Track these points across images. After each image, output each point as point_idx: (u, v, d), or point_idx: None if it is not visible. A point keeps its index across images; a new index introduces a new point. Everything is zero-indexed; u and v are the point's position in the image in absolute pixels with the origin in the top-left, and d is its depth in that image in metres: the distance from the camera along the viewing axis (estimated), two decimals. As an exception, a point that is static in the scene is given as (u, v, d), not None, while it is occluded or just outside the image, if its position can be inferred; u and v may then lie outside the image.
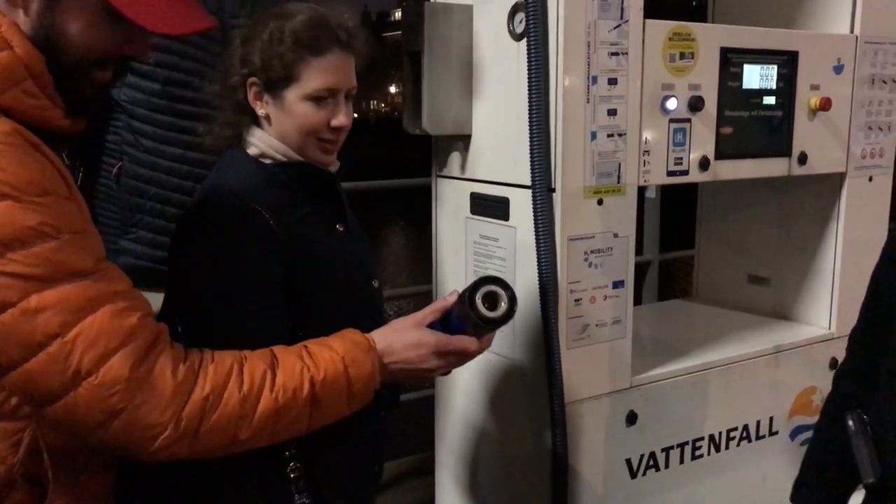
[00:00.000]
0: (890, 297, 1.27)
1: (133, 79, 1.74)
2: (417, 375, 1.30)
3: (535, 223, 1.69)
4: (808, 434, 1.79)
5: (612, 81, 1.72)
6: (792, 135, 2.05)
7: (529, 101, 1.65)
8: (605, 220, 1.77)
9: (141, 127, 1.77)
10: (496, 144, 1.87)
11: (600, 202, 1.76)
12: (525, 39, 1.65)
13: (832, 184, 2.21)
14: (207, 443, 1.06)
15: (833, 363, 2.19)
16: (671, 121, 1.83)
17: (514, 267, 1.83)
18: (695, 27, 1.84)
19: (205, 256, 1.30)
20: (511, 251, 1.84)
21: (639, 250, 3.05)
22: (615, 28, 1.70)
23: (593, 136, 1.72)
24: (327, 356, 1.18)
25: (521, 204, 1.77)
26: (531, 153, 1.67)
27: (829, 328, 2.27)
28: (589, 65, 1.68)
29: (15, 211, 0.93)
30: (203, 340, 1.31)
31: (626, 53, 1.73)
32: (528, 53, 1.64)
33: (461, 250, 2.02)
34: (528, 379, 1.85)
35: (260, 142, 1.39)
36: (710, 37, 1.87)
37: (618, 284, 1.82)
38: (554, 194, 1.71)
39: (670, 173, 1.86)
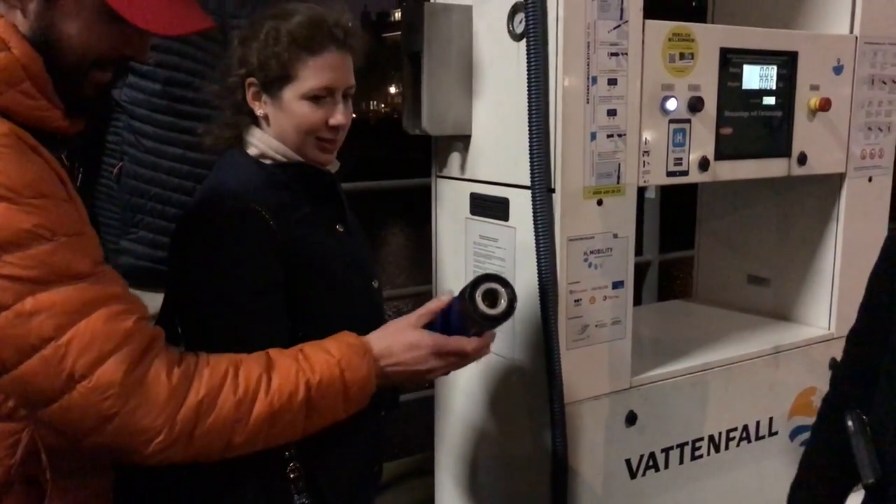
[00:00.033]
0: (889, 297, 1.27)
1: (133, 79, 1.74)
2: (414, 378, 1.29)
3: (535, 224, 1.69)
4: (808, 434, 1.79)
5: (612, 82, 1.72)
6: (791, 135, 2.05)
7: (529, 102, 1.65)
8: (605, 220, 1.77)
9: (141, 127, 1.77)
10: (496, 145, 1.87)
11: (600, 203, 1.76)
12: (525, 40, 1.65)
13: (832, 184, 2.22)
14: (202, 447, 1.06)
15: (833, 364, 2.19)
16: (671, 121, 1.83)
17: (513, 267, 1.83)
18: (694, 27, 1.84)
19: (205, 257, 1.30)
20: (511, 251, 1.84)
21: (638, 251, 3.05)
22: (615, 28, 1.70)
23: (593, 136, 1.72)
24: (323, 360, 1.17)
25: (521, 204, 1.77)
26: (531, 153, 1.67)
27: (829, 328, 2.27)
28: (589, 65, 1.68)
29: (11, 213, 0.93)
30: (203, 341, 1.31)
31: (626, 54, 1.73)
32: (528, 54, 1.64)
33: (461, 251, 2.02)
34: (527, 379, 1.85)
35: (259, 142, 1.39)
36: (710, 37, 1.87)
37: (617, 285, 1.82)
38: (554, 195, 1.71)
39: (670, 174, 1.86)
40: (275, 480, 1.27)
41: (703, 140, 1.89)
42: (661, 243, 3.58)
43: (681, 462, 2.01)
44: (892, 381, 1.22)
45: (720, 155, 1.93)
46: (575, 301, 1.76)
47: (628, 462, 1.92)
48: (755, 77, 1.97)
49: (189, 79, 1.76)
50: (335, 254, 1.40)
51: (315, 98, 1.35)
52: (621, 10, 1.70)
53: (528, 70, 1.65)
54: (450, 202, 2.05)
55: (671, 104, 1.81)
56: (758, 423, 2.15)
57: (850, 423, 1.25)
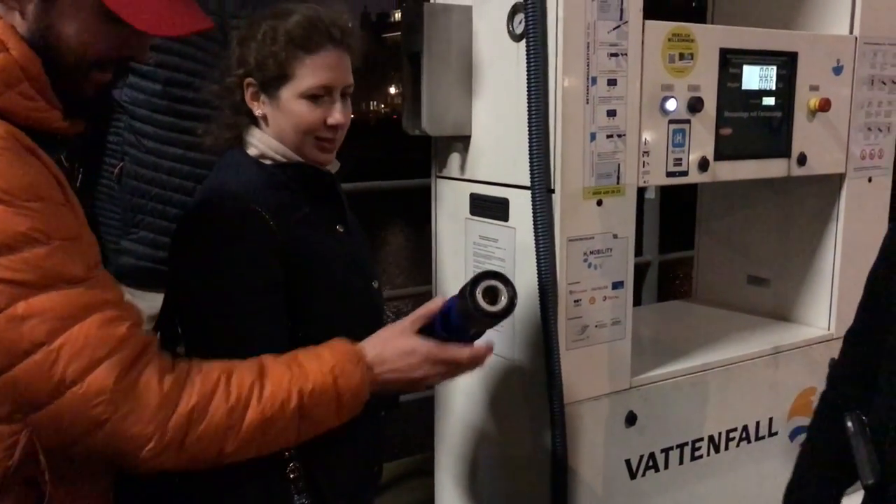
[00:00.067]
0: (887, 297, 1.27)
1: (134, 79, 1.74)
2: (408, 385, 1.28)
3: (535, 224, 1.69)
4: (807, 435, 1.79)
5: (612, 82, 1.72)
6: (791, 136, 2.05)
7: (529, 102, 1.66)
8: (605, 220, 1.77)
9: (142, 127, 1.78)
10: (495, 145, 1.87)
11: (600, 203, 1.76)
12: (524, 40, 1.65)
13: (831, 185, 2.22)
14: (194, 454, 1.05)
15: (832, 363, 2.19)
16: (670, 121, 1.83)
17: (513, 268, 1.83)
18: (694, 28, 1.84)
19: (205, 257, 1.30)
20: (510, 252, 1.84)
21: (638, 251, 3.05)
22: (614, 29, 1.70)
23: (593, 136, 1.72)
24: (316, 367, 1.16)
25: (521, 205, 1.77)
26: (530, 154, 1.67)
27: (829, 329, 2.27)
28: (588, 65, 1.68)
29: (6, 216, 0.92)
30: (203, 341, 1.31)
31: (626, 54, 1.73)
32: (528, 54, 1.64)
33: (461, 251, 2.02)
34: (527, 380, 1.85)
35: (259, 142, 1.39)
36: (710, 38, 1.87)
37: (617, 285, 1.82)
38: (553, 195, 1.71)
39: (670, 174, 1.86)
40: (275, 480, 1.27)
41: (702, 140, 1.89)
42: (661, 244, 3.58)
43: (681, 462, 2.01)
44: (891, 383, 1.22)
45: (720, 155, 1.93)
46: (575, 301, 1.76)
47: (628, 462, 1.92)
48: (755, 77, 1.97)
49: (189, 79, 1.76)
50: (335, 254, 1.41)
51: (313, 97, 1.35)
52: (621, 10, 1.70)
53: (528, 70, 1.65)
54: (449, 202, 2.05)
55: (671, 104, 1.81)
56: (757, 423, 2.15)
57: (849, 424, 1.25)
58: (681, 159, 1.87)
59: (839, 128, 2.14)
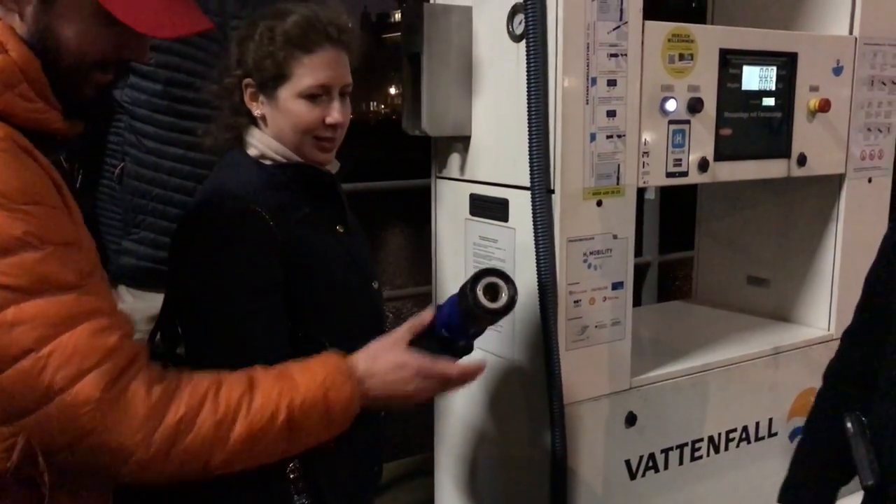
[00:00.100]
0: (887, 297, 1.27)
1: (135, 79, 1.74)
2: (399, 399, 1.26)
3: (535, 224, 1.69)
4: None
5: (612, 83, 1.72)
6: (791, 136, 2.05)
7: (529, 103, 1.66)
8: (605, 221, 1.77)
9: (143, 128, 1.78)
10: (495, 146, 1.87)
11: (599, 203, 1.76)
12: (524, 41, 1.65)
13: (831, 185, 2.22)
14: (180, 466, 1.04)
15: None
16: (670, 122, 1.83)
17: (513, 268, 1.83)
18: (694, 28, 1.84)
19: (205, 257, 1.30)
20: (510, 252, 1.84)
21: (638, 251, 3.05)
22: (614, 29, 1.70)
23: (592, 137, 1.72)
24: (306, 381, 1.15)
25: (521, 205, 1.77)
26: (530, 154, 1.67)
27: (829, 329, 2.27)
28: (588, 66, 1.68)
29: (0, 219, 0.91)
30: (203, 341, 1.31)
31: (626, 55, 1.73)
32: (528, 55, 1.64)
33: (460, 251, 2.02)
34: (527, 380, 1.85)
35: (259, 143, 1.39)
36: (710, 38, 1.87)
37: (617, 286, 1.82)
38: (553, 195, 1.71)
39: (669, 174, 1.86)
40: (274, 480, 1.27)
41: (702, 141, 1.89)
42: (661, 244, 3.58)
43: (680, 463, 2.01)
44: (891, 384, 1.22)
45: (720, 156, 1.93)
46: (574, 302, 1.76)
47: (628, 463, 1.92)
48: (755, 78, 1.97)
49: (190, 79, 1.76)
50: (335, 254, 1.41)
51: (311, 96, 1.35)
52: (621, 10, 1.70)
53: (528, 71, 1.65)
54: (449, 203, 2.05)
55: (671, 105, 1.81)
56: (757, 423, 2.15)
57: (849, 424, 1.25)
58: (681, 160, 1.87)
59: (839, 128, 2.14)
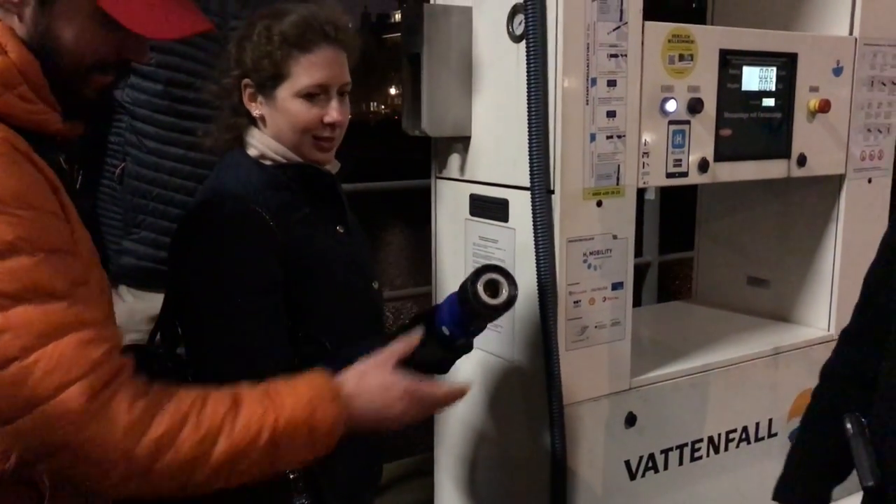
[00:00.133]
0: (887, 296, 1.27)
1: (135, 79, 1.75)
2: (384, 422, 1.23)
3: (534, 225, 1.70)
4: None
5: (612, 83, 1.72)
6: (791, 137, 2.05)
7: (529, 103, 1.66)
8: (605, 221, 1.77)
9: (143, 128, 1.78)
10: (495, 146, 1.88)
11: (599, 204, 1.76)
12: (524, 41, 1.65)
13: (831, 186, 2.22)
14: (160, 482, 1.02)
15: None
16: (670, 122, 1.83)
17: (513, 268, 1.82)
18: (694, 29, 1.84)
19: (205, 258, 1.30)
20: (510, 253, 1.84)
21: (638, 252, 3.05)
22: (614, 30, 1.70)
23: (592, 137, 1.72)
24: (291, 401, 1.12)
25: (521, 205, 1.77)
26: (530, 155, 1.67)
27: (829, 330, 2.27)
28: (588, 66, 1.68)
29: None
30: (203, 341, 1.32)
31: (626, 55, 1.73)
32: (528, 55, 1.64)
33: (460, 252, 2.02)
34: (526, 380, 1.85)
35: (258, 143, 1.39)
36: (710, 39, 1.87)
37: (617, 286, 1.82)
38: (553, 196, 1.71)
39: (669, 175, 1.86)
40: (274, 481, 1.27)
41: (702, 141, 1.89)
42: (661, 244, 3.58)
43: (680, 463, 2.01)
44: (891, 385, 1.22)
45: (720, 156, 1.93)
46: (574, 302, 1.76)
47: (627, 463, 1.92)
48: (755, 78, 1.97)
49: (190, 79, 1.76)
50: (335, 255, 1.41)
51: (309, 96, 1.35)
52: (621, 11, 1.70)
53: (528, 71, 1.65)
54: (449, 203, 2.06)
55: (671, 105, 1.81)
56: (757, 424, 2.15)
57: (848, 425, 1.25)
58: (681, 160, 1.87)
59: (839, 129, 2.14)
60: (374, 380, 1.21)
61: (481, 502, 2.09)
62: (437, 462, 2.24)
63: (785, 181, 2.14)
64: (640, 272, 3.41)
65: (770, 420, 2.17)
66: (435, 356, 1.37)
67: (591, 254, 1.76)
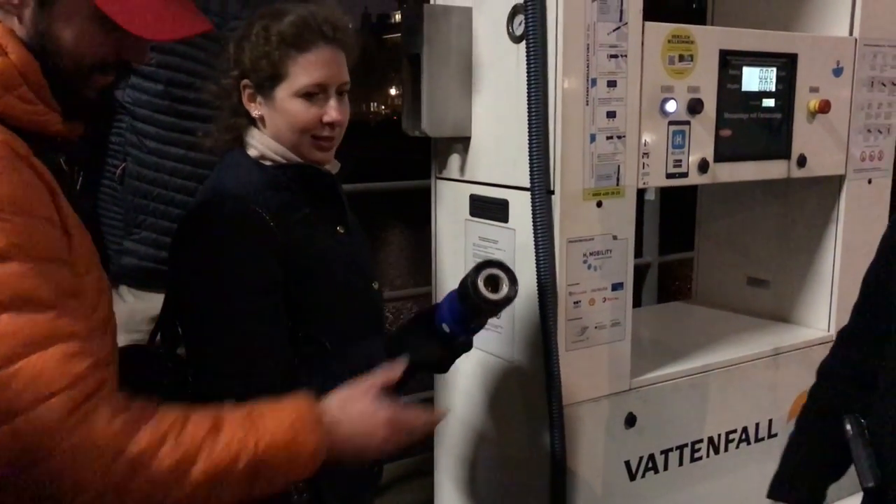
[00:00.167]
0: (887, 297, 1.27)
1: (136, 80, 1.75)
2: (364, 450, 1.20)
3: (534, 225, 1.70)
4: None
5: (612, 84, 1.72)
6: (791, 137, 2.05)
7: (529, 104, 1.66)
8: (605, 222, 1.77)
9: (144, 128, 1.78)
10: (495, 146, 1.88)
11: (599, 204, 1.76)
12: (524, 41, 1.65)
13: (831, 186, 2.22)
14: (134, 501, 0.99)
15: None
16: (670, 123, 1.83)
17: (513, 269, 1.83)
18: (694, 29, 1.84)
19: (205, 258, 1.30)
20: (510, 253, 1.84)
21: (638, 252, 3.05)
22: (614, 30, 1.70)
23: (592, 138, 1.72)
24: (273, 426, 1.10)
25: (521, 206, 1.77)
26: (530, 155, 1.67)
27: (829, 331, 2.27)
28: (588, 67, 1.68)
29: None
30: (203, 341, 1.31)
31: (626, 56, 1.73)
32: (528, 55, 1.64)
33: (460, 252, 2.02)
34: (526, 381, 1.85)
35: (258, 143, 1.39)
36: (710, 39, 1.87)
37: (617, 286, 1.82)
38: (553, 196, 1.71)
39: (669, 175, 1.86)
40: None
41: (702, 142, 1.89)
42: (661, 245, 3.58)
43: (680, 464, 2.01)
44: (890, 385, 1.22)
45: (720, 157, 1.93)
46: (574, 303, 1.76)
47: (627, 464, 1.92)
48: (755, 79, 1.97)
49: (191, 79, 1.76)
50: (335, 255, 1.41)
51: (308, 95, 1.35)
52: (621, 11, 1.70)
53: (528, 72, 1.65)
54: (449, 204, 2.06)
55: (671, 106, 1.81)
56: (757, 424, 2.15)
57: (848, 426, 1.25)
58: (680, 161, 1.87)
59: (839, 129, 2.14)
60: (357, 407, 1.19)
61: (481, 502, 2.09)
62: (436, 462, 2.24)
63: (785, 182, 2.14)
64: (640, 273, 3.41)
65: (770, 421, 2.17)
66: (435, 355, 1.37)
67: (591, 254, 1.76)
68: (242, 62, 1.36)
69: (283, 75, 1.34)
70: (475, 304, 1.28)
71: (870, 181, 2.23)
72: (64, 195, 1.02)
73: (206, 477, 1.02)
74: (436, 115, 1.88)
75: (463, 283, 1.30)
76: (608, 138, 1.74)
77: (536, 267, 1.70)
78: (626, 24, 1.71)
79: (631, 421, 1.89)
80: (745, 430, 2.13)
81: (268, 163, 1.39)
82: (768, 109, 2.01)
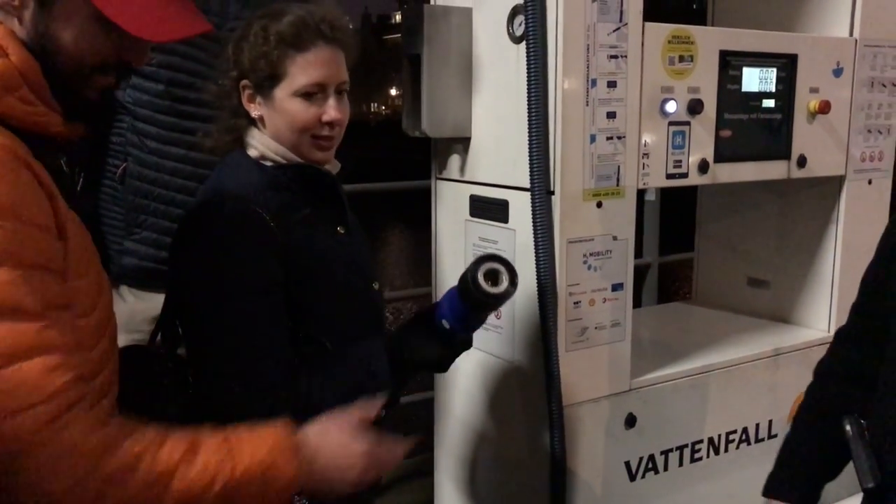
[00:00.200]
0: (885, 297, 1.27)
1: (137, 80, 1.75)
2: (339, 482, 1.18)
3: (534, 226, 1.70)
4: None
5: (612, 84, 1.72)
6: (791, 138, 2.05)
7: (529, 104, 1.66)
8: (605, 222, 1.77)
9: (144, 128, 1.78)
10: (495, 147, 1.88)
11: (599, 205, 1.76)
12: (524, 42, 1.65)
13: (831, 187, 2.22)
14: None
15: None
16: (670, 123, 1.83)
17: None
18: (694, 30, 1.84)
19: (205, 258, 1.30)
20: (510, 254, 1.84)
21: (638, 253, 3.05)
22: (614, 31, 1.70)
23: (592, 138, 1.72)
24: (249, 453, 1.08)
25: (521, 206, 1.77)
26: (530, 156, 1.68)
27: (829, 331, 2.27)
28: (588, 67, 1.68)
29: None
30: (203, 342, 1.32)
31: (626, 56, 1.73)
32: (528, 56, 1.65)
33: (461, 252, 2.02)
34: (526, 381, 1.85)
35: (259, 144, 1.39)
36: (710, 40, 1.87)
37: (617, 287, 1.82)
38: (553, 197, 1.71)
39: (669, 176, 1.86)
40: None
41: (702, 142, 1.89)
42: (661, 245, 3.58)
43: (680, 464, 2.01)
44: (891, 386, 1.22)
45: (720, 157, 1.93)
46: (574, 303, 1.76)
47: (627, 464, 1.92)
48: (755, 79, 1.97)
49: (191, 79, 1.76)
50: (336, 255, 1.41)
51: (307, 95, 1.35)
52: (621, 12, 1.70)
53: (528, 72, 1.65)
54: (450, 204, 2.06)
55: (671, 106, 1.81)
56: (757, 425, 2.15)
57: (848, 427, 1.24)
58: (681, 161, 1.87)
59: (839, 130, 2.14)
60: (335, 438, 1.18)
61: (481, 503, 2.09)
62: (437, 463, 2.24)
63: (785, 182, 2.14)
64: (640, 273, 3.41)
65: (770, 421, 2.17)
66: (435, 354, 1.38)
67: (591, 255, 1.77)
68: (241, 63, 1.36)
69: (282, 75, 1.34)
70: (476, 299, 1.29)
71: (870, 182, 2.23)
72: (64, 196, 1.02)
73: (180, 499, 1.00)
74: (436, 115, 1.88)
75: (463, 278, 1.31)
76: (608, 139, 1.74)
77: (536, 267, 1.70)
78: (626, 24, 1.72)
79: (631, 421, 1.89)
80: (745, 430, 2.13)
81: (268, 163, 1.39)
82: (768, 110, 2.01)
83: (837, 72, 2.10)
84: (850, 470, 1.27)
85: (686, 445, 2.02)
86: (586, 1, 1.65)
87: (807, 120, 2.07)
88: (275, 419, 1.22)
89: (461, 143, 1.96)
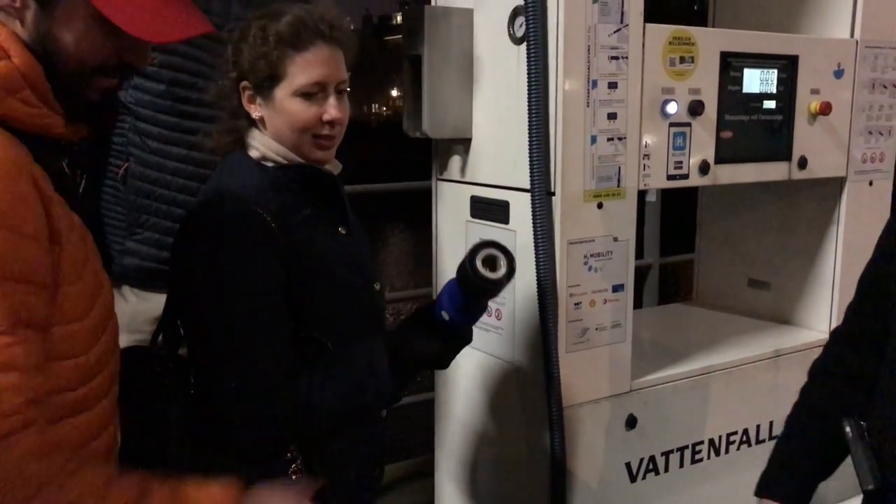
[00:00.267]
0: (884, 297, 1.27)
1: (138, 80, 1.75)
2: None
3: (535, 227, 1.70)
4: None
5: (613, 85, 1.72)
6: (792, 139, 2.05)
7: (529, 105, 1.66)
8: (605, 223, 1.77)
9: (146, 128, 1.78)
10: (496, 148, 1.88)
11: (600, 206, 1.76)
12: (525, 43, 1.66)
13: (832, 188, 2.22)
14: None
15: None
16: (671, 125, 1.83)
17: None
18: (695, 31, 1.85)
19: (206, 259, 1.30)
20: (511, 254, 1.84)
21: (639, 254, 3.05)
22: (615, 32, 1.70)
23: (593, 139, 1.72)
24: None
25: (521, 207, 1.77)
26: (531, 157, 1.68)
27: (829, 332, 2.27)
28: (589, 68, 1.69)
29: None
30: (204, 342, 1.32)
31: (626, 57, 1.73)
32: (528, 57, 1.65)
33: (461, 253, 2.01)
34: (527, 382, 1.85)
35: (259, 144, 1.39)
36: (711, 41, 1.87)
37: (617, 288, 1.82)
38: (553, 198, 1.71)
39: (670, 177, 1.86)
40: (277, 482, 1.27)
41: (703, 144, 1.89)
42: (662, 246, 3.58)
43: (681, 466, 2.01)
44: (890, 388, 1.22)
45: (720, 158, 1.93)
46: (575, 304, 1.76)
47: (628, 465, 1.92)
48: (756, 81, 1.97)
49: (193, 79, 1.76)
50: (336, 256, 1.41)
51: (307, 95, 1.35)
52: (622, 13, 1.70)
53: (529, 73, 1.65)
54: (450, 205, 2.06)
55: (671, 108, 1.81)
56: (758, 426, 2.15)
57: (847, 429, 1.24)
58: (681, 162, 1.87)
59: (840, 131, 2.14)
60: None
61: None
62: (437, 463, 2.24)
63: (786, 183, 2.14)
64: (640, 274, 3.41)
65: (771, 422, 2.17)
66: (434, 350, 1.38)
67: (591, 256, 1.77)
68: (241, 64, 1.36)
69: (282, 75, 1.34)
70: (475, 285, 1.29)
71: (871, 183, 2.23)
72: (66, 198, 1.02)
73: None
74: (436, 116, 1.88)
75: (461, 266, 1.31)
76: (609, 140, 1.74)
77: (537, 268, 1.70)
78: (627, 25, 1.72)
79: (631, 422, 1.89)
80: (745, 431, 2.13)
81: (269, 164, 1.39)
82: (769, 111, 2.01)
83: (838, 73, 2.10)
84: (850, 470, 1.27)
85: (687, 447, 2.02)
86: (587, 2, 1.65)
87: (808, 121, 2.07)
88: (275, 419, 1.22)
89: (462, 144, 1.97)
